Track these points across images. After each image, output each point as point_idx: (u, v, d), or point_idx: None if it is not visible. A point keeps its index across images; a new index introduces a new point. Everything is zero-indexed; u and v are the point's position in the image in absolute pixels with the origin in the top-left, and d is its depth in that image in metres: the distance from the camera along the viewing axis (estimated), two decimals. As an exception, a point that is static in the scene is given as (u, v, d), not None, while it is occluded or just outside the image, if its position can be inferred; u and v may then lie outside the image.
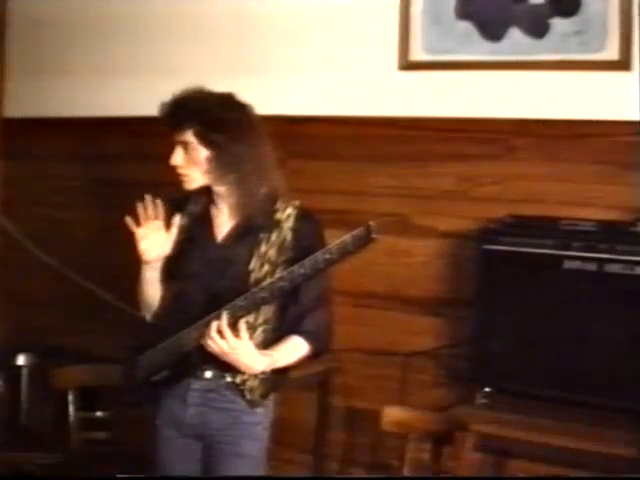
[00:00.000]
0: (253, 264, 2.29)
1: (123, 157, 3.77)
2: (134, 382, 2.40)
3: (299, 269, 2.15)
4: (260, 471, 2.39)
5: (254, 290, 2.21)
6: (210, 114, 2.28)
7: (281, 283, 2.17)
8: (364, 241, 2.09)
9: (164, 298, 2.40)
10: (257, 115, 2.35)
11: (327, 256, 2.11)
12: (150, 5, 3.71)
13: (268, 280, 2.21)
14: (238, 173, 2.28)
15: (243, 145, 2.28)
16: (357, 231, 2.09)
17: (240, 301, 2.21)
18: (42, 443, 3.37)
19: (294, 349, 2.31)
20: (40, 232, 3.89)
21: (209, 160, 2.28)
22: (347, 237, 2.09)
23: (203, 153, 2.29)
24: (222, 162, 2.28)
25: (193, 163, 2.30)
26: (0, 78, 4.08)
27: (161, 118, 2.32)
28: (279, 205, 2.33)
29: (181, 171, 2.32)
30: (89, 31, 3.85)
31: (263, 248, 2.29)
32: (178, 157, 2.31)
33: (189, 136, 2.28)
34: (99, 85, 3.78)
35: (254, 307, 2.22)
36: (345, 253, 2.10)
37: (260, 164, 2.30)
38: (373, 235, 2.07)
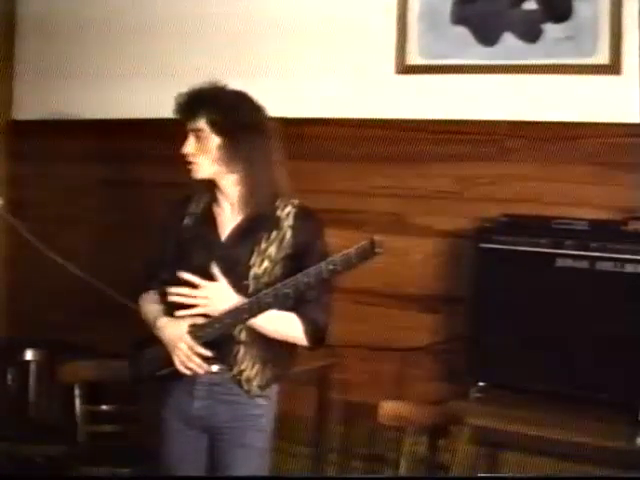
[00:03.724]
0: (253, 260, 2.31)
1: (129, 158, 3.78)
2: (140, 376, 2.43)
3: (303, 277, 2.18)
4: (265, 462, 2.41)
5: (258, 295, 2.24)
6: (223, 102, 2.32)
7: (285, 290, 2.20)
8: (367, 255, 2.11)
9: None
10: (268, 116, 2.39)
11: (331, 267, 2.14)
12: (156, 8, 3.72)
13: (272, 287, 2.23)
14: (247, 163, 2.30)
15: (253, 136, 2.31)
16: (361, 245, 2.11)
17: (245, 304, 2.25)
18: (49, 435, 3.38)
19: (282, 319, 2.29)
20: (48, 231, 3.82)
21: (220, 148, 2.31)
22: (351, 250, 2.12)
23: (215, 141, 2.31)
24: (232, 150, 2.30)
25: (204, 151, 2.32)
26: (9, 81, 4.10)
27: (175, 109, 2.35)
28: (279, 203, 2.36)
29: (191, 159, 2.34)
30: (96, 34, 3.86)
31: (263, 245, 2.32)
32: (190, 145, 2.34)
33: (202, 124, 2.31)
34: (106, 87, 3.79)
35: (258, 311, 2.25)
36: (348, 265, 2.13)
37: (267, 161, 2.33)
38: (377, 249, 2.09)
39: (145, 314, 2.43)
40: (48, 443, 3.30)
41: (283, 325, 2.31)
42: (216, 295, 2.28)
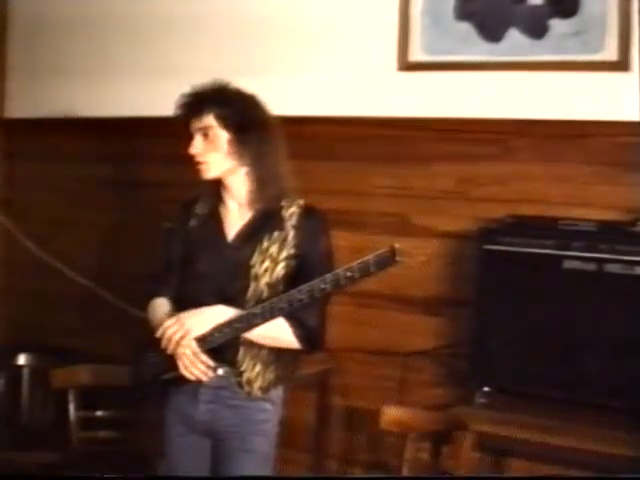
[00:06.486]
0: (254, 260, 2.30)
1: (124, 157, 3.76)
2: (143, 380, 2.40)
3: (319, 284, 2.15)
4: (269, 467, 2.39)
5: (272, 300, 2.22)
6: (230, 98, 2.33)
7: (300, 296, 2.18)
8: (387, 263, 2.08)
9: (175, 300, 2.40)
10: (273, 115, 2.39)
11: (348, 274, 2.11)
12: (151, 5, 3.71)
13: (286, 293, 2.21)
14: (256, 157, 2.31)
15: (261, 131, 2.32)
16: (380, 252, 2.08)
17: (257, 309, 2.23)
18: (42, 442, 3.36)
19: (271, 324, 2.25)
20: (41, 232, 3.88)
21: (230, 142, 2.31)
22: (370, 257, 2.09)
23: (224, 136, 2.32)
24: (242, 144, 2.30)
25: (213, 148, 2.32)
26: (0, 78, 4.07)
27: (180, 108, 2.35)
28: (284, 203, 2.36)
29: (200, 159, 2.34)
30: (90, 31, 3.85)
31: (265, 244, 2.31)
32: (198, 145, 2.34)
33: (210, 120, 2.31)
34: (99, 85, 3.78)
35: (270, 317, 2.23)
36: (366, 273, 2.10)
37: (275, 156, 2.34)
38: (397, 258, 2.06)
39: (153, 319, 2.40)
40: (41, 450, 3.26)
41: (272, 330, 2.27)
42: (192, 320, 2.26)
